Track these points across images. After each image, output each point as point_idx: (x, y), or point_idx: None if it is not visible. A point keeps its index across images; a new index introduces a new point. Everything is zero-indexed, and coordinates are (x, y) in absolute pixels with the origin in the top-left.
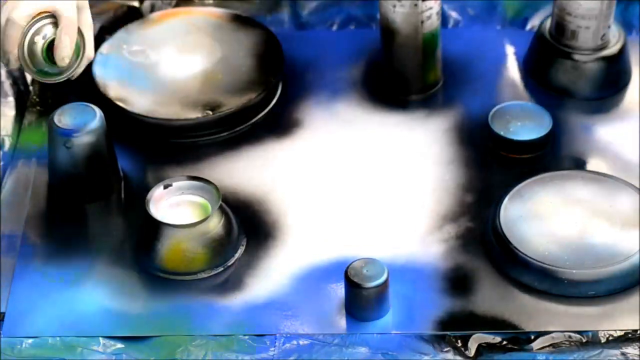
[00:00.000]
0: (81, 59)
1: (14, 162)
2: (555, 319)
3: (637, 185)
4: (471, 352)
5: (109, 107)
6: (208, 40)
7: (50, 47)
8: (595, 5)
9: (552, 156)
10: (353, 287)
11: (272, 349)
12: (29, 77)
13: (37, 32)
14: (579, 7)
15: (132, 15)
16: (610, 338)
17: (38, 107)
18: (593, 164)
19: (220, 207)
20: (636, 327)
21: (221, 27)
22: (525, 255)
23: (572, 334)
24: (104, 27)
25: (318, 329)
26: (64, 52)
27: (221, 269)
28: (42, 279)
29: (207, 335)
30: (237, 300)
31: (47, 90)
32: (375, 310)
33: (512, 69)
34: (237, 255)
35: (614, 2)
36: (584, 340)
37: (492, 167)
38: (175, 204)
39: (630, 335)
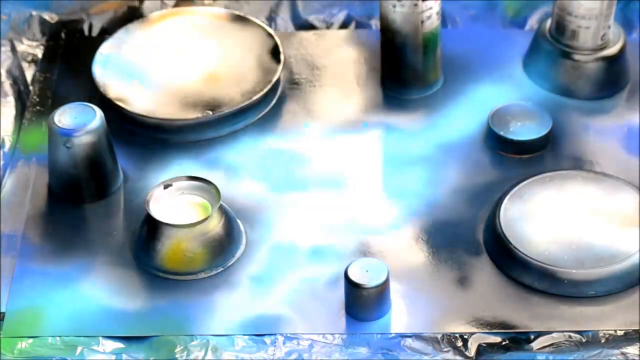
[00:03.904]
0: None
1: (14, 162)
2: (555, 319)
3: (637, 185)
4: (471, 352)
5: (109, 107)
6: (208, 40)
7: None
8: (596, 5)
9: (552, 156)
10: (353, 287)
11: (272, 349)
12: (29, 77)
13: None
14: (579, 7)
15: (132, 15)
16: (610, 338)
17: (38, 107)
18: (593, 164)
19: (220, 207)
20: (636, 327)
21: (221, 27)
22: (525, 255)
23: (572, 334)
24: (104, 27)
25: (318, 329)
26: None
27: (221, 269)
28: (42, 279)
29: (207, 335)
30: (237, 300)
31: (47, 90)
32: (375, 310)
33: (512, 69)
34: (237, 255)
35: (614, 2)
36: (584, 340)
37: (492, 167)
38: (175, 204)
39: (630, 335)
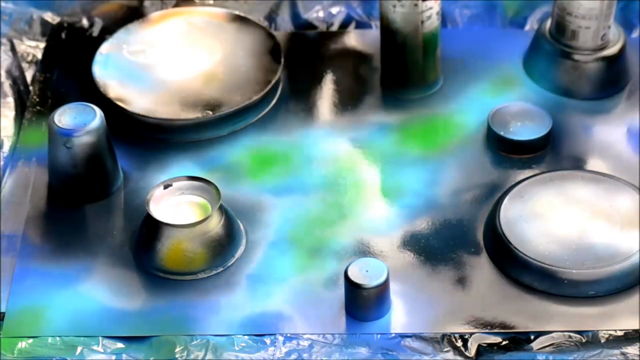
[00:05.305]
0: None
1: (14, 162)
2: (555, 319)
3: (637, 185)
4: (471, 352)
5: (109, 107)
6: (208, 40)
7: None
8: (596, 5)
9: (552, 156)
10: (353, 287)
11: (272, 349)
12: (29, 77)
13: None
14: (579, 7)
15: (132, 15)
16: (610, 338)
17: (38, 107)
18: (593, 164)
19: (220, 207)
20: (636, 327)
21: (221, 27)
22: (525, 255)
23: (572, 334)
24: (104, 27)
25: (318, 329)
26: None
27: (221, 269)
28: (42, 279)
29: (207, 335)
30: (237, 300)
31: (47, 90)
32: (375, 310)
33: (512, 69)
34: (237, 255)
35: (614, 2)
36: (584, 340)
37: (492, 167)
38: (175, 204)
39: (630, 335)
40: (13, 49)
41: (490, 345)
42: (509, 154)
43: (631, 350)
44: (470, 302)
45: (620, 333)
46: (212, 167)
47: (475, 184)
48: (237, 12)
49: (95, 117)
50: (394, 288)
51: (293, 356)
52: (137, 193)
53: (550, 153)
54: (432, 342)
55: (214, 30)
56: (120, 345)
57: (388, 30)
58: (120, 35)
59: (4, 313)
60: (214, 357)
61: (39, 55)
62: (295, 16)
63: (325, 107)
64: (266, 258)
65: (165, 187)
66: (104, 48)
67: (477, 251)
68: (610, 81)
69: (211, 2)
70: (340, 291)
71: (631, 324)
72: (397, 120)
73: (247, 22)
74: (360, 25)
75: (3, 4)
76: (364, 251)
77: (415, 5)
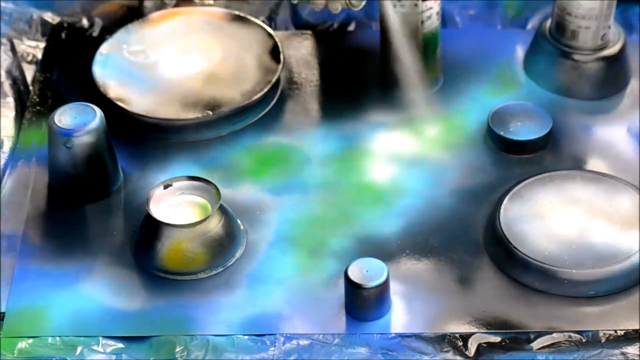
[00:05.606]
0: None
1: (14, 162)
2: (555, 319)
3: (637, 185)
4: (471, 352)
5: (109, 107)
6: (208, 40)
7: None
8: (596, 5)
9: (552, 156)
10: (353, 287)
11: (272, 349)
12: (29, 77)
13: None
14: (579, 7)
15: (132, 15)
16: (610, 338)
17: (38, 107)
18: (593, 164)
19: (220, 207)
20: (636, 327)
21: (221, 27)
22: (525, 255)
23: (572, 334)
24: (104, 27)
25: (318, 329)
26: None
27: (221, 269)
28: (42, 279)
29: (207, 335)
30: (237, 300)
31: (47, 90)
32: (375, 310)
33: (512, 69)
34: (237, 255)
35: (614, 2)
36: (584, 340)
37: (492, 167)
38: (175, 204)
39: (630, 335)
40: (13, 49)
41: (490, 345)
42: (509, 154)
43: (631, 350)
44: (470, 302)
45: (620, 333)
46: (212, 167)
47: (475, 184)
48: (237, 12)
49: (95, 117)
50: (394, 288)
51: (293, 356)
52: (137, 193)
53: (550, 153)
54: (432, 342)
55: (214, 30)
56: (120, 345)
57: (388, 30)
58: (120, 35)
59: (4, 313)
60: (214, 357)
61: (39, 55)
62: (295, 16)
63: (325, 107)
64: (266, 258)
65: (165, 187)
66: (104, 48)
67: (477, 251)
68: (610, 81)
69: (211, 2)
70: (340, 291)
71: (631, 324)
72: (397, 120)
73: (247, 22)
74: (360, 25)
75: (3, 4)
76: (364, 251)
77: (415, 5)
